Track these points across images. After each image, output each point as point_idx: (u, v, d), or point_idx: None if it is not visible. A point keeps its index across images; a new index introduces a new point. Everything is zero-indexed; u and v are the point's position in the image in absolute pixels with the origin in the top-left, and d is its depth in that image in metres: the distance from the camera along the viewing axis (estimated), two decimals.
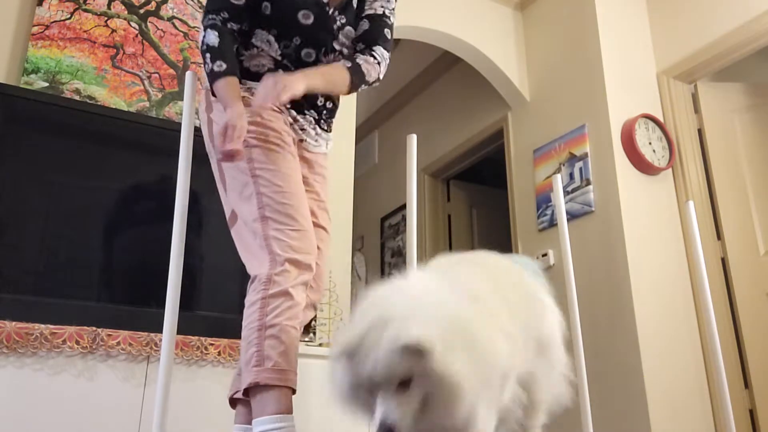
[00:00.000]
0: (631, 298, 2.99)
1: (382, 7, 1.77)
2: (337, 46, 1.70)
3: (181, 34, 2.90)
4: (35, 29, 2.57)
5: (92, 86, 2.63)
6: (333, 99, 1.75)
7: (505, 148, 4.00)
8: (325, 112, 1.74)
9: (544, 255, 3.47)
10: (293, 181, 1.53)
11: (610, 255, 3.14)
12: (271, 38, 1.63)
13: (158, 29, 2.85)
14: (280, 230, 1.46)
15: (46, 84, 2.53)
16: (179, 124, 1.77)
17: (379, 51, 1.73)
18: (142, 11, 2.84)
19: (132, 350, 2.12)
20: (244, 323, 1.43)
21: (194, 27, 2.93)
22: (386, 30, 1.76)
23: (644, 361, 2.89)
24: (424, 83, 4.95)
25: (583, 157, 3.38)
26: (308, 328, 2.63)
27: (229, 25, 1.60)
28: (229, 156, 1.43)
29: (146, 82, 2.76)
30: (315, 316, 2.58)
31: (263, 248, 1.46)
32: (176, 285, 1.56)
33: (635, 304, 2.98)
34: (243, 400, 1.48)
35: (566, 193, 3.41)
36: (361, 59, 1.69)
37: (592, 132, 3.39)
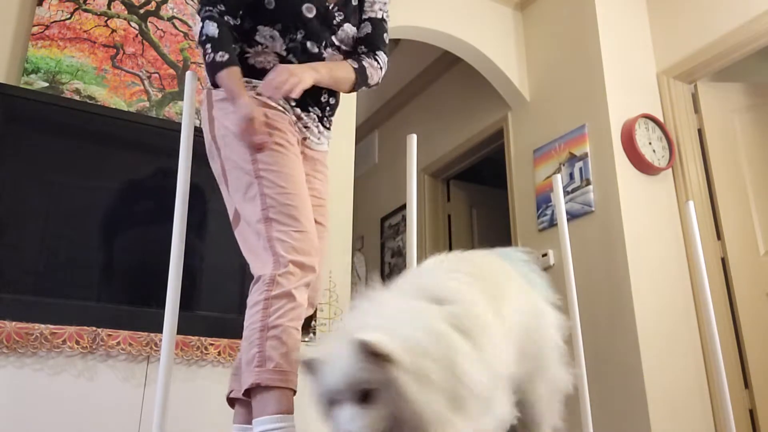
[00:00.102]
0: (631, 298, 2.99)
1: (381, 10, 1.81)
2: (336, 41, 1.72)
3: (181, 34, 2.90)
4: (35, 29, 2.57)
5: (92, 86, 2.63)
6: (336, 95, 1.77)
7: (505, 148, 4.00)
8: (328, 108, 1.75)
9: (544, 255, 3.47)
10: (297, 182, 1.54)
11: (610, 255, 3.14)
12: (276, 33, 1.64)
13: (158, 29, 2.85)
14: (284, 232, 1.46)
15: (46, 84, 2.53)
16: (179, 124, 1.78)
17: (382, 56, 1.78)
18: (142, 11, 2.84)
19: (132, 350, 2.12)
20: (246, 323, 1.43)
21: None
22: (385, 34, 1.81)
23: (644, 361, 2.89)
24: (424, 83, 4.95)
25: (583, 157, 3.38)
26: (308, 329, 2.63)
27: (226, 18, 1.60)
28: (261, 147, 1.47)
29: (146, 82, 2.76)
30: (315, 316, 2.58)
31: (267, 249, 1.45)
32: (176, 285, 1.56)
33: (635, 304, 2.98)
34: (242, 400, 1.48)
35: (566, 193, 3.41)
36: (366, 62, 1.74)
37: (592, 132, 3.39)
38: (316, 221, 1.62)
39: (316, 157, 1.74)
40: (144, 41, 2.80)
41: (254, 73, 1.63)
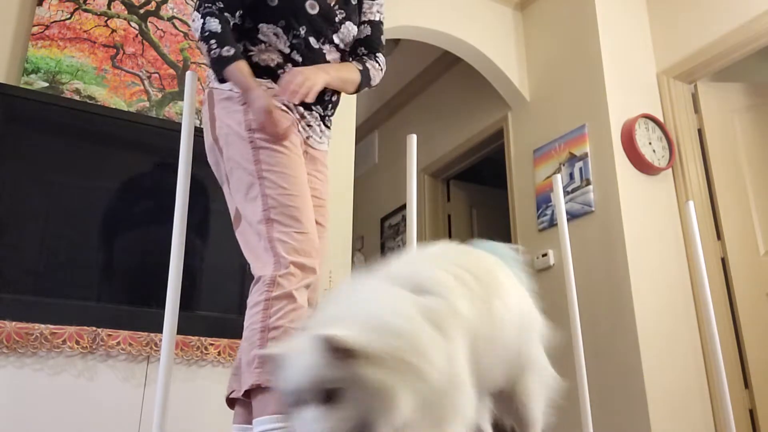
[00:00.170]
0: (631, 298, 2.99)
1: (378, 12, 1.84)
2: (336, 39, 1.73)
3: (181, 34, 2.90)
4: (35, 29, 2.56)
5: (92, 86, 2.63)
6: (338, 93, 1.78)
7: (505, 148, 4.00)
8: (330, 106, 1.76)
9: (544, 255, 3.47)
10: (299, 183, 1.54)
11: (610, 255, 3.14)
12: (279, 30, 1.64)
13: (158, 29, 2.85)
14: (286, 233, 1.46)
15: (46, 84, 2.53)
16: (179, 124, 1.78)
17: (381, 58, 1.82)
18: (142, 11, 2.84)
19: (132, 350, 2.12)
20: (246, 324, 1.43)
21: None
22: (383, 37, 1.85)
23: (644, 361, 2.89)
24: (424, 83, 4.95)
25: (583, 157, 3.38)
26: None
27: (225, 15, 1.60)
28: (285, 135, 1.51)
29: (146, 82, 2.76)
30: None
31: (268, 250, 1.45)
32: (176, 285, 1.56)
33: (635, 304, 2.98)
34: (241, 401, 1.48)
35: (566, 193, 3.41)
36: (369, 64, 1.77)
37: (592, 132, 3.39)
38: (315, 221, 1.62)
39: (317, 156, 1.74)
40: (144, 41, 2.80)
41: (259, 70, 1.63)
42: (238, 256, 1.57)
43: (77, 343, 2.04)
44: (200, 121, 2.36)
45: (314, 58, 1.67)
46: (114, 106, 2.63)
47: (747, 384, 3.06)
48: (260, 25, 1.64)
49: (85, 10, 2.70)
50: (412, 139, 2.07)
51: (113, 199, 2.43)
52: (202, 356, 2.23)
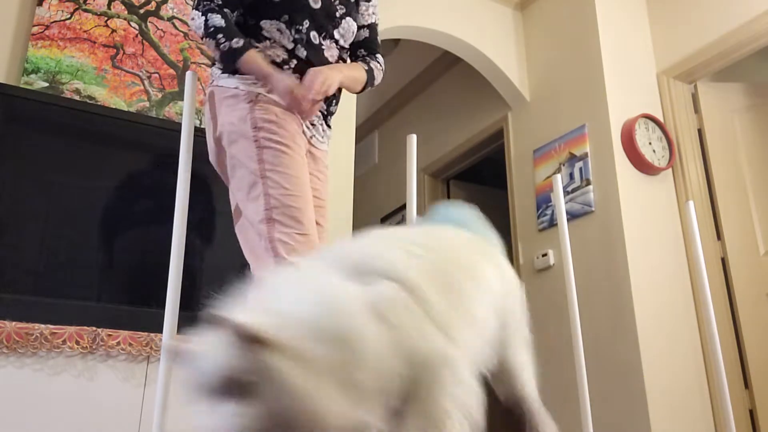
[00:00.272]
0: (631, 298, 2.99)
1: (374, 14, 1.87)
2: (336, 35, 1.74)
3: (181, 34, 2.90)
4: (35, 29, 2.56)
5: (92, 86, 2.63)
6: (339, 92, 1.79)
7: (505, 148, 4.00)
8: (334, 103, 1.77)
9: (544, 255, 3.47)
10: (301, 184, 1.54)
11: (610, 255, 3.14)
12: (282, 26, 1.65)
13: (158, 29, 2.85)
14: (287, 233, 1.46)
15: (46, 84, 2.53)
16: (179, 124, 1.78)
17: (380, 59, 1.86)
18: (142, 11, 2.84)
19: (132, 350, 2.12)
20: None
21: None
22: (379, 38, 1.90)
23: (644, 361, 2.89)
24: (424, 83, 4.95)
25: (583, 157, 3.38)
26: None
27: (225, 11, 1.60)
28: (312, 110, 1.60)
29: (146, 82, 2.76)
30: None
31: (268, 250, 1.45)
32: (176, 285, 1.56)
33: (635, 304, 2.98)
34: None
35: (566, 193, 3.41)
36: (372, 64, 1.82)
37: (592, 132, 3.39)
38: (315, 222, 1.62)
39: (319, 156, 1.75)
40: (144, 41, 2.80)
41: None
42: (239, 256, 1.57)
43: (77, 343, 2.04)
44: (200, 121, 2.36)
45: (314, 53, 1.68)
46: (114, 106, 2.63)
47: (747, 384, 3.06)
48: (263, 21, 1.65)
49: (85, 10, 2.70)
50: (412, 139, 2.07)
51: (113, 199, 2.43)
52: None
